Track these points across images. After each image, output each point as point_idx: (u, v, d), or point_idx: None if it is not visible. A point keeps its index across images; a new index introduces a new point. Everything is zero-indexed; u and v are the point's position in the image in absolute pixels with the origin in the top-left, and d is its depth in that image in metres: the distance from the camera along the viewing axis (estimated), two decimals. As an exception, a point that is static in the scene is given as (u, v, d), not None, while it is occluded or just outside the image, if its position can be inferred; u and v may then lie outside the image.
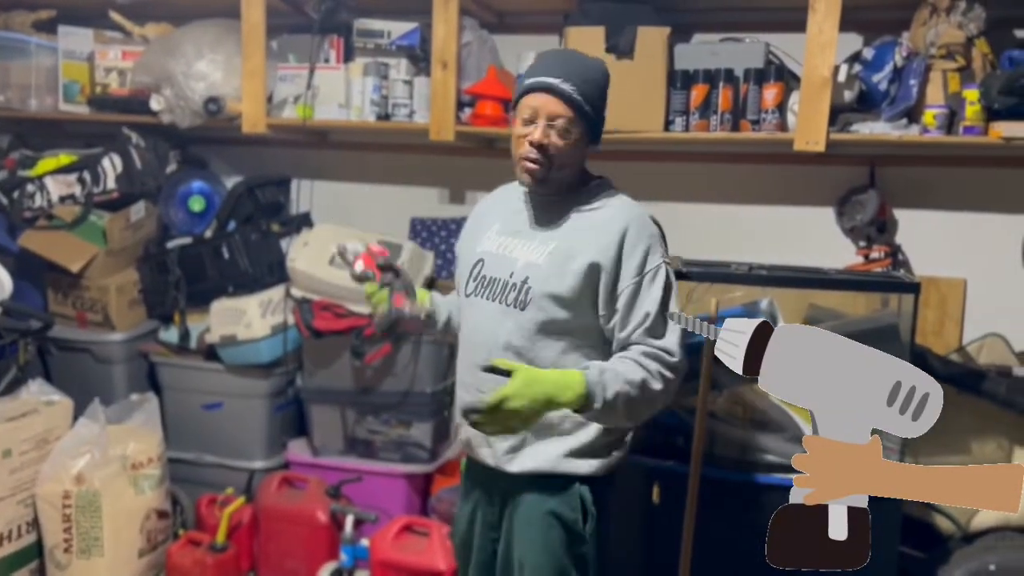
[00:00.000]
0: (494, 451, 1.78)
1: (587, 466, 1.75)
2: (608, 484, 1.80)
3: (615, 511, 1.83)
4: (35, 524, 2.73)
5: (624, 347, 1.70)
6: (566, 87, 1.66)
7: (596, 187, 1.80)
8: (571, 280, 1.68)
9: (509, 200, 1.87)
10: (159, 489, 2.90)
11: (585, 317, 1.71)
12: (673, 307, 1.73)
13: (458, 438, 1.91)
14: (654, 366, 1.64)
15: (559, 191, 1.76)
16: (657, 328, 1.67)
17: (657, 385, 1.64)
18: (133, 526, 2.80)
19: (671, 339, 1.68)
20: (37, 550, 2.75)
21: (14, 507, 2.67)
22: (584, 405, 1.58)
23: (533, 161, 1.68)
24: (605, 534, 1.80)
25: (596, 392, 1.58)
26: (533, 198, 1.80)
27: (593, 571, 1.78)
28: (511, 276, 1.73)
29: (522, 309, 1.70)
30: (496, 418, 1.53)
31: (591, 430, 1.75)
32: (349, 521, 2.80)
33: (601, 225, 1.71)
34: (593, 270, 1.68)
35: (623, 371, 1.62)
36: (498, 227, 1.82)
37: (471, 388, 1.77)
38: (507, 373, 1.55)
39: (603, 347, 1.74)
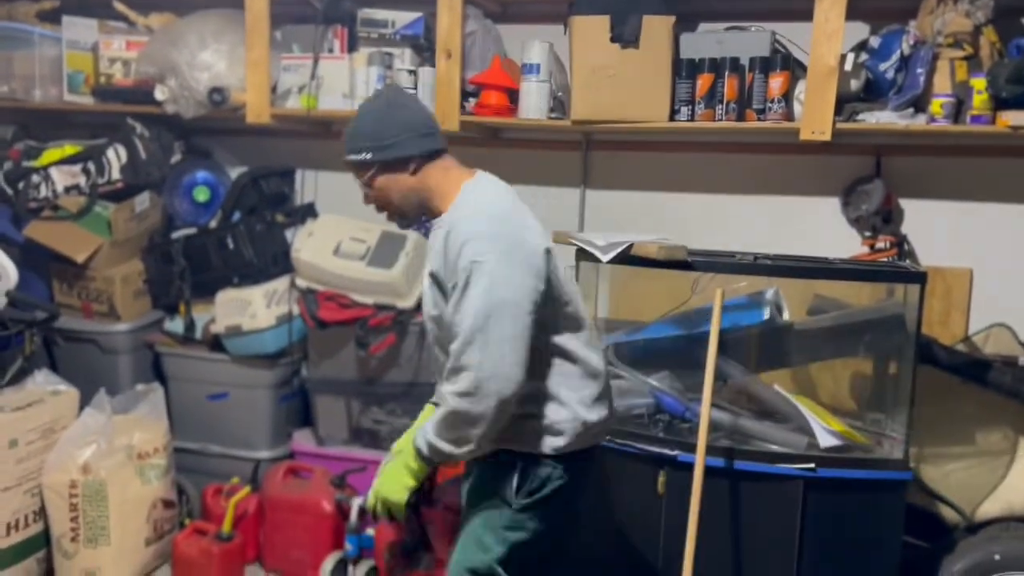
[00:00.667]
0: None
1: (527, 446, 1.82)
2: (563, 464, 1.82)
3: (574, 496, 1.87)
4: (42, 513, 2.75)
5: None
6: (347, 157, 1.86)
7: (460, 198, 1.84)
8: (430, 293, 1.84)
9: None
10: (165, 479, 2.92)
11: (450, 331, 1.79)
12: (505, 296, 1.68)
13: None
14: (448, 389, 1.72)
15: (428, 218, 1.90)
16: (465, 335, 1.68)
17: (460, 409, 1.70)
18: (140, 515, 2.81)
19: (473, 355, 1.67)
20: (44, 539, 2.77)
21: (21, 497, 2.68)
22: (425, 461, 1.82)
23: (385, 214, 1.91)
24: (555, 513, 1.85)
25: (422, 450, 1.80)
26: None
27: (528, 546, 1.84)
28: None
29: (430, 328, 1.90)
30: (385, 506, 1.87)
31: (532, 411, 1.81)
32: (354, 510, 2.81)
33: (437, 235, 1.83)
34: (434, 279, 1.82)
35: (432, 422, 1.79)
36: None
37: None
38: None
39: None
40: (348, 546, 2.80)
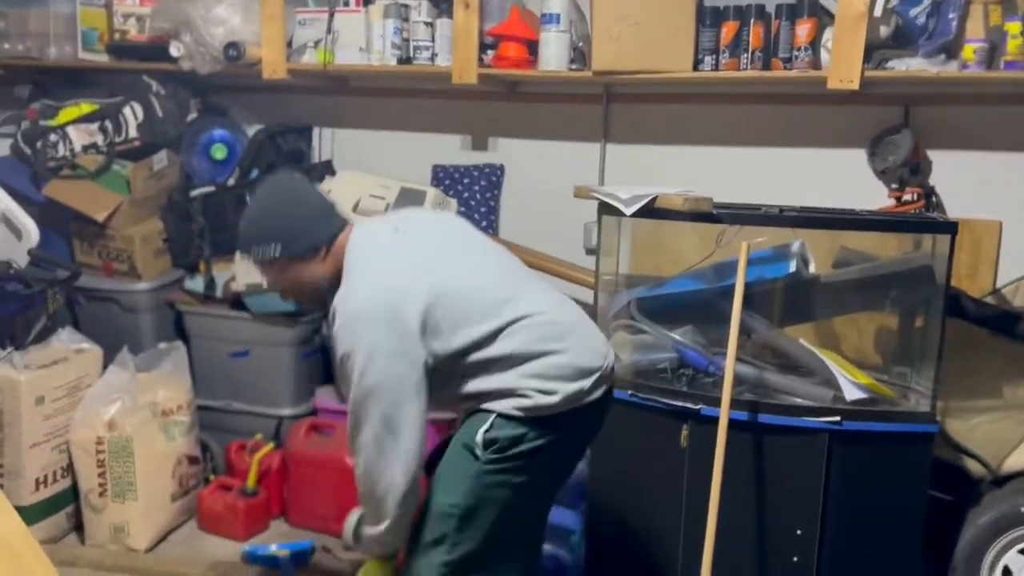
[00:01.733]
0: None
1: (498, 406, 1.78)
2: (539, 427, 1.78)
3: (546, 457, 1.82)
4: (70, 469, 2.78)
5: None
6: (250, 255, 1.87)
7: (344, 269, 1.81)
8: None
9: None
10: (189, 435, 2.94)
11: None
12: (374, 380, 1.69)
13: None
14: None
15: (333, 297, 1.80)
16: (355, 429, 1.74)
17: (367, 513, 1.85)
18: (165, 471, 2.85)
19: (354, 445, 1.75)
20: (73, 494, 2.81)
21: (49, 453, 2.72)
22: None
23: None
24: (528, 473, 1.79)
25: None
26: None
27: (495, 502, 1.78)
28: None
29: None
30: None
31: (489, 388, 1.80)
32: (377, 466, 2.82)
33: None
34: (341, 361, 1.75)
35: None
36: None
37: None
38: None
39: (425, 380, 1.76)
40: (371, 501, 2.82)
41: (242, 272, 3.10)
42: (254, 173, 3.21)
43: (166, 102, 3.28)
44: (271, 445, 3.02)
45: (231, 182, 3.25)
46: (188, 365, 3.04)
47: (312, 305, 1.93)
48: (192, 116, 3.37)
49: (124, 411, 2.74)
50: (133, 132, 3.25)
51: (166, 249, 3.30)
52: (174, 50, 3.09)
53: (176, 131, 3.30)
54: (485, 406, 1.80)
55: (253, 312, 3.12)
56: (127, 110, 3.23)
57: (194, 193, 3.27)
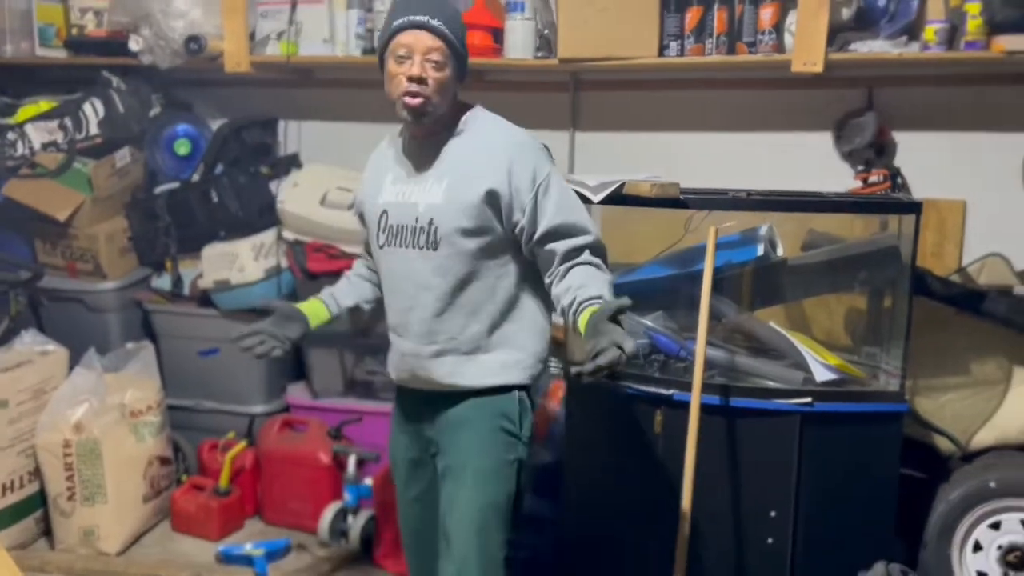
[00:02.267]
0: (433, 378, 1.84)
1: (523, 375, 1.84)
2: (535, 390, 1.91)
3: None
4: (37, 474, 2.74)
5: (542, 254, 1.77)
6: (436, 23, 1.72)
7: (471, 117, 1.82)
8: (472, 211, 1.74)
9: (396, 150, 1.90)
10: (160, 436, 2.91)
11: (493, 239, 1.77)
12: (573, 202, 1.79)
13: (395, 376, 1.97)
14: (585, 240, 1.75)
15: (437, 129, 1.80)
16: (566, 227, 1.74)
17: (604, 267, 1.78)
18: (136, 473, 2.81)
19: (582, 224, 1.76)
20: (41, 499, 2.77)
21: (14, 458, 2.67)
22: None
23: (414, 95, 1.72)
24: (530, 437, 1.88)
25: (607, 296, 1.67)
26: (413, 143, 1.84)
27: (526, 471, 1.87)
28: (416, 221, 1.78)
29: (435, 249, 1.77)
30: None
31: (522, 343, 1.83)
32: (351, 461, 2.81)
33: (486, 150, 1.76)
34: (491, 196, 1.74)
35: (591, 281, 1.71)
36: (391, 176, 1.87)
37: (401, 331, 1.86)
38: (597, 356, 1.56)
39: (517, 255, 1.81)
40: (347, 496, 2.81)
41: (210, 268, 3.06)
42: (219, 168, 3.16)
43: (127, 97, 3.23)
44: (243, 443, 2.99)
45: (196, 178, 3.21)
46: (157, 364, 3.00)
47: (423, 117, 1.74)
48: (155, 111, 3.32)
49: (92, 413, 2.69)
50: (94, 129, 3.20)
51: (131, 247, 3.26)
52: (134, 44, 3.04)
53: (138, 127, 3.25)
54: (502, 381, 1.80)
55: (221, 309, 3.08)
56: (87, 106, 3.18)
57: (159, 190, 3.23)
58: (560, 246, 1.74)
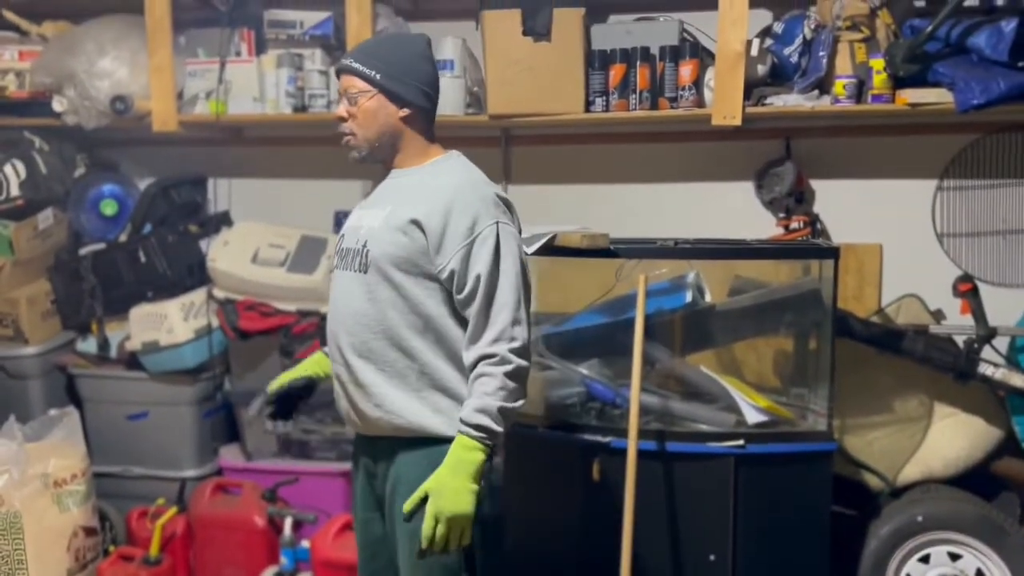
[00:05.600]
0: (361, 409, 1.79)
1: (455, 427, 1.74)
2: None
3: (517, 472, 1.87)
4: (-48, 551, 2.60)
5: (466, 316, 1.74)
6: (353, 64, 1.81)
7: (443, 158, 1.87)
8: (399, 237, 1.75)
9: (381, 182, 1.94)
10: (85, 505, 2.79)
11: (418, 272, 1.75)
12: (511, 267, 1.73)
13: (337, 411, 1.93)
14: (497, 370, 1.69)
15: (403, 162, 1.85)
16: (491, 291, 1.71)
17: (511, 377, 1.69)
18: (59, 545, 2.69)
19: (504, 316, 1.70)
20: (-44, 578, 2.62)
21: (-73, 535, 2.53)
22: (487, 446, 1.67)
23: (343, 134, 1.84)
24: (496, 489, 1.84)
25: (487, 426, 1.66)
26: (392, 173, 1.88)
27: (486, 527, 1.79)
28: (356, 242, 1.82)
29: (364, 272, 1.78)
30: (446, 531, 1.64)
31: (456, 391, 1.75)
32: (288, 523, 2.74)
33: (432, 189, 1.78)
34: (417, 225, 1.74)
35: (481, 394, 1.68)
36: (361, 203, 1.93)
37: (335, 356, 1.84)
38: (423, 502, 1.65)
39: (450, 299, 1.76)
40: (284, 560, 2.73)
41: (138, 330, 2.99)
42: (147, 228, 3.12)
43: (50, 158, 3.17)
44: (174, 509, 2.90)
45: (123, 238, 3.15)
46: (82, 431, 2.89)
47: (358, 151, 1.83)
48: (79, 171, 3.26)
49: (12, 484, 2.58)
50: (15, 191, 3.12)
51: (55, 311, 3.17)
52: (57, 105, 2.99)
53: (62, 187, 3.19)
54: (442, 431, 1.73)
55: (150, 371, 3.01)
56: (8, 168, 3.10)
57: (84, 251, 3.16)
58: (478, 337, 1.70)
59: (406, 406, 1.75)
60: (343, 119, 1.82)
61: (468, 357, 1.73)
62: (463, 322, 1.76)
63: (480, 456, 1.66)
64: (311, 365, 2.01)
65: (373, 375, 1.77)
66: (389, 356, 1.76)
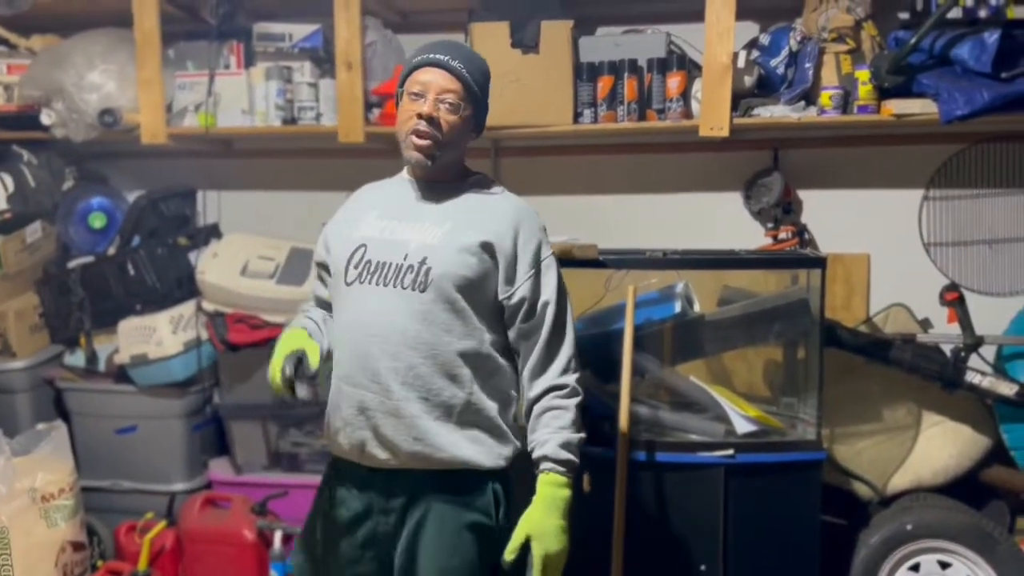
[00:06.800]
0: (395, 441, 1.66)
1: (497, 459, 1.70)
2: (511, 473, 1.76)
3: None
4: (-62, 568, 2.58)
5: (525, 345, 1.71)
6: (455, 64, 1.67)
7: (482, 178, 1.80)
8: (469, 259, 1.66)
9: (388, 189, 1.82)
10: (73, 520, 2.77)
11: (481, 298, 1.68)
12: (565, 296, 1.75)
13: (337, 441, 1.74)
14: (570, 402, 1.70)
15: (444, 176, 1.74)
16: (559, 321, 1.70)
17: (579, 408, 1.72)
18: (47, 561, 2.66)
19: (568, 346, 1.72)
20: (-58, 595, 2.60)
21: (-87, 551, 2.51)
22: (571, 480, 1.68)
23: (423, 135, 1.65)
24: (513, 522, 1.73)
25: (573, 460, 1.67)
26: (417, 184, 1.76)
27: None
28: (405, 258, 1.66)
29: (422, 291, 1.64)
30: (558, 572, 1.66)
31: (494, 423, 1.70)
32: (278, 537, 2.73)
33: (494, 211, 1.71)
34: (488, 249, 1.67)
35: (559, 428, 1.67)
36: (377, 213, 1.75)
37: (357, 381, 1.67)
38: (525, 550, 1.64)
39: (498, 329, 1.72)
40: (273, 573, 2.72)
41: (126, 343, 2.98)
42: (136, 241, 3.11)
43: (39, 171, 3.16)
44: (163, 523, 2.88)
45: (112, 251, 3.14)
46: (70, 445, 2.87)
47: (431, 157, 1.66)
48: (68, 184, 3.25)
49: (-2, 499, 2.56)
50: (3, 204, 3.12)
51: (43, 324, 3.15)
52: (45, 118, 2.98)
53: (51, 201, 3.18)
54: (474, 463, 1.66)
55: (139, 384, 3.00)
56: (-5, 181, 3.10)
57: (72, 264, 3.14)
58: (545, 369, 1.69)
59: (449, 439, 1.65)
60: (432, 119, 1.64)
61: (534, 388, 1.69)
62: (505, 353, 1.72)
63: (568, 492, 1.66)
64: (296, 340, 1.73)
65: (417, 405, 1.64)
66: (435, 384, 1.64)
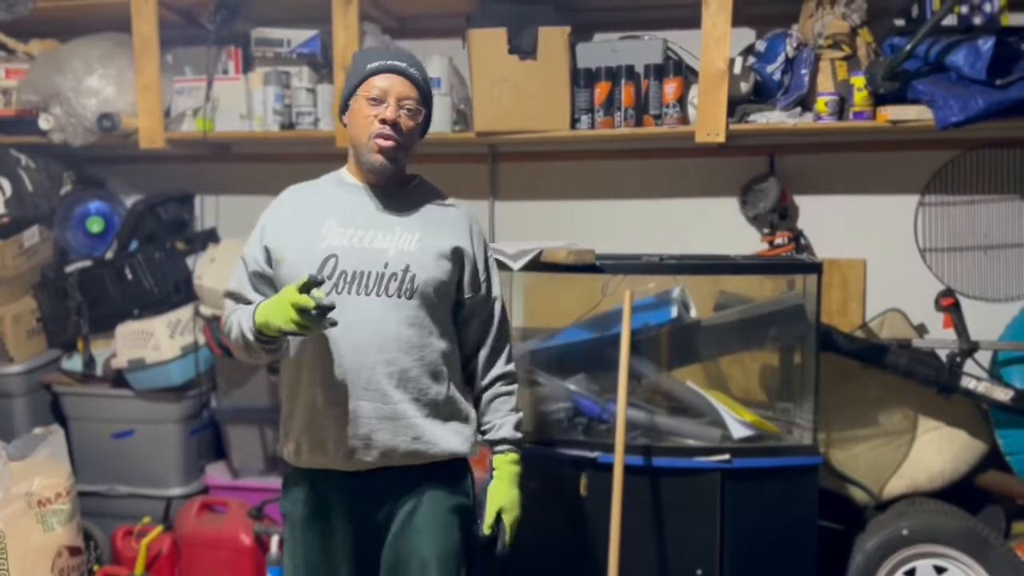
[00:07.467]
0: (393, 444, 1.71)
1: (472, 445, 1.84)
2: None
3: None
4: (-66, 572, 2.57)
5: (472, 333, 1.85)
6: (412, 71, 1.74)
7: (424, 181, 1.88)
8: (445, 264, 1.76)
9: (334, 194, 1.79)
10: (70, 525, 2.76)
11: (450, 300, 1.80)
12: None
13: (315, 454, 1.74)
14: (515, 387, 1.89)
15: (395, 179, 1.79)
16: (504, 315, 1.89)
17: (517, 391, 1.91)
18: (43, 566, 2.66)
19: (509, 340, 1.92)
20: (-62, 600, 2.59)
21: (-91, 556, 2.50)
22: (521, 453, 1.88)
23: (387, 138, 1.70)
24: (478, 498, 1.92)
25: (519, 446, 1.87)
26: (372, 189, 1.78)
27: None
28: (386, 266, 1.70)
29: (409, 297, 1.71)
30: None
31: (467, 412, 1.83)
32: (274, 542, 2.73)
33: (455, 217, 1.83)
34: (457, 253, 1.78)
35: (509, 411, 1.87)
36: (336, 220, 1.74)
37: (358, 394, 1.70)
38: (497, 521, 1.82)
39: (450, 330, 1.82)
40: (270, 578, 2.72)
41: (124, 347, 2.98)
42: (133, 245, 3.11)
43: (36, 175, 3.16)
44: (160, 528, 2.89)
45: (109, 255, 3.15)
46: (67, 449, 2.86)
47: (393, 161, 1.72)
48: (66, 189, 3.25)
49: (-5, 504, 2.55)
50: (0, 208, 3.11)
51: (40, 328, 3.16)
52: (43, 123, 2.99)
53: (48, 205, 3.18)
54: (461, 452, 1.79)
55: (136, 389, 3.00)
56: (-7, 185, 3.10)
57: (70, 268, 3.15)
58: (496, 359, 1.86)
59: (440, 434, 1.76)
60: (395, 124, 1.69)
61: (486, 377, 1.85)
62: (457, 346, 1.84)
63: (520, 466, 1.86)
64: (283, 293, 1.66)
65: (411, 406, 1.72)
66: (423, 383, 1.73)
